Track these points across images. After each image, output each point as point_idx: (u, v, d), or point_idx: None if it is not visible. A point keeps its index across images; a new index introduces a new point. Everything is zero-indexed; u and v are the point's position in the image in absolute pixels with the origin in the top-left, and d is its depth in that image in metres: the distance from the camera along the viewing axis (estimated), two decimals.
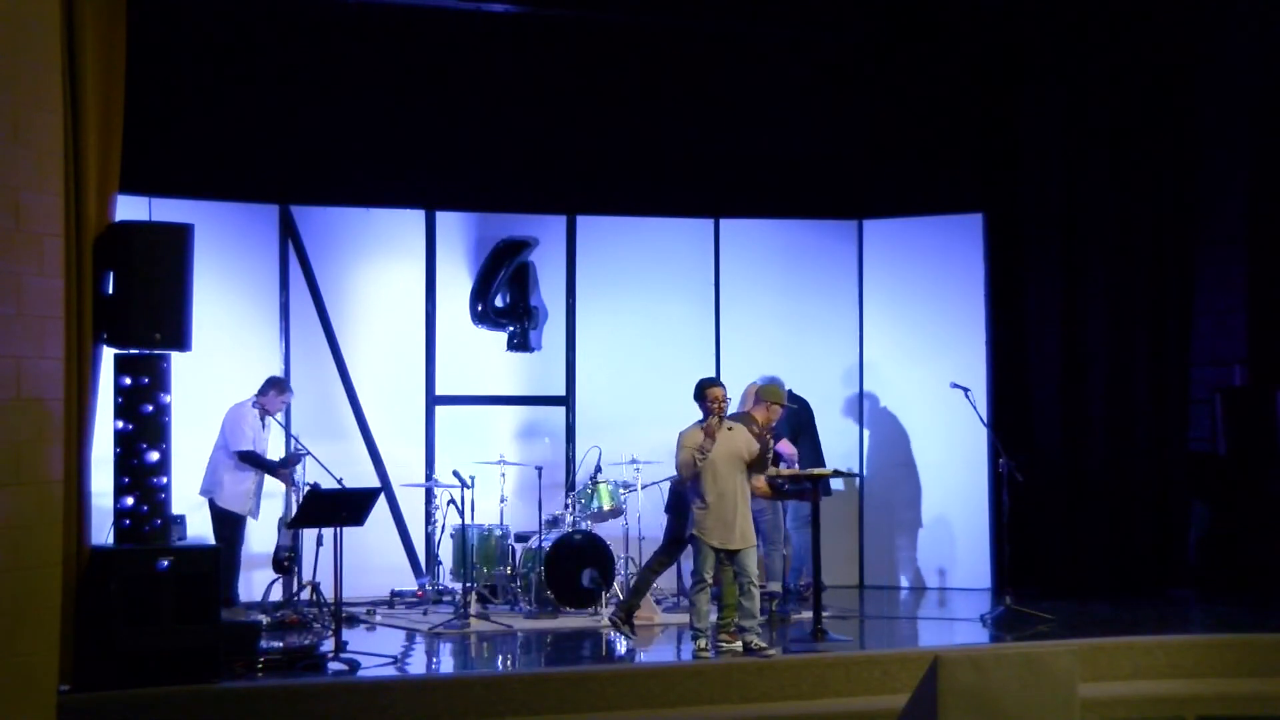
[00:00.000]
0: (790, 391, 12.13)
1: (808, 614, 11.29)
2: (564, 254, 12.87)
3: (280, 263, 12.15)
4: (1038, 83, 12.69)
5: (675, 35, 12.84)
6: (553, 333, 12.79)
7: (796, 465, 11.41)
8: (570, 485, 12.23)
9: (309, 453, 11.09)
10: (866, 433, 13.15)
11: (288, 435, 11.39)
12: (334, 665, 9.08)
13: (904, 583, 12.96)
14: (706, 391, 9.58)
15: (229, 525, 10.86)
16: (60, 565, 8.03)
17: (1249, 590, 11.64)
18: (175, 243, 8.85)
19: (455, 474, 11.20)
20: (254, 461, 10.93)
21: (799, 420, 11.92)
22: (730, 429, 9.63)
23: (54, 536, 7.95)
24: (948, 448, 12.74)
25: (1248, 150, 12.68)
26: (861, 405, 13.15)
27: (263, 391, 11.07)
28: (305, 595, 10.98)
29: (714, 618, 9.73)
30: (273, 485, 11.26)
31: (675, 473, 9.77)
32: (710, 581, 9.53)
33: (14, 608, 7.57)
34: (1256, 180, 12.63)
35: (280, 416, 11.36)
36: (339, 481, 10.85)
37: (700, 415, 9.60)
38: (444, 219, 12.62)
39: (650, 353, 12.92)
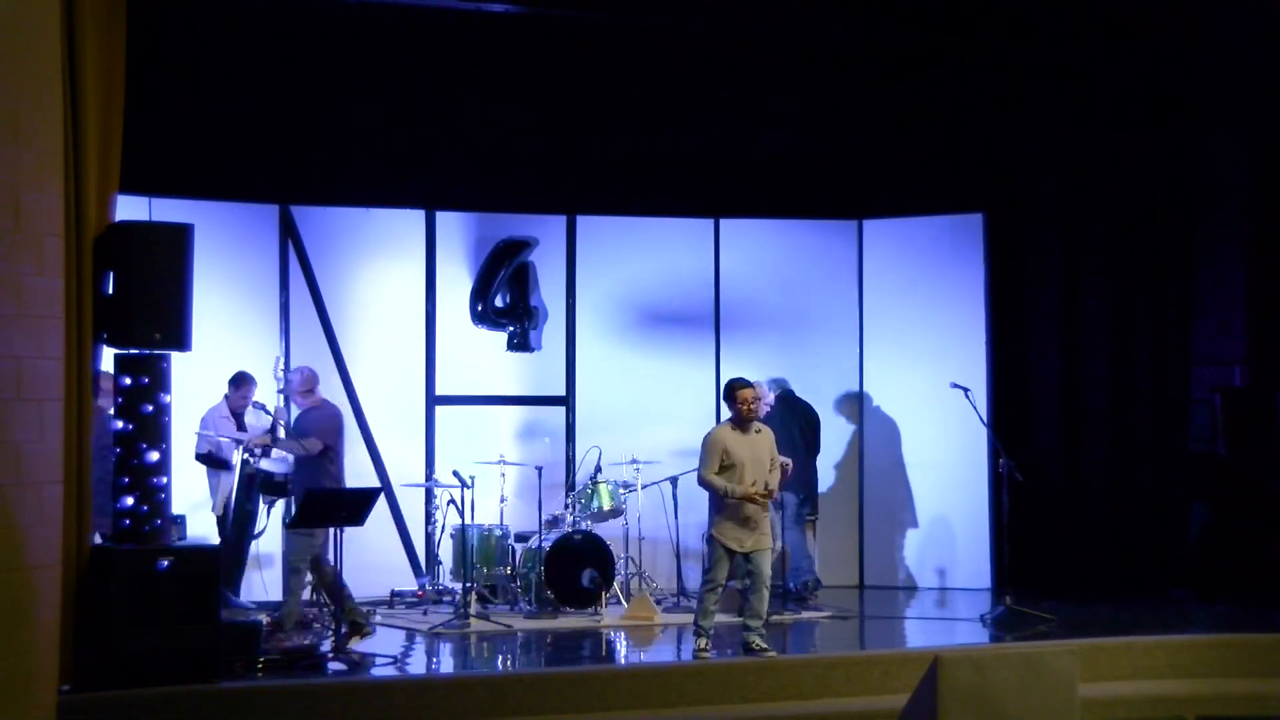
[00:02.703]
0: (790, 392, 12.16)
1: (808, 614, 11.35)
2: (564, 254, 12.87)
3: (280, 263, 12.15)
4: (1038, 83, 12.69)
5: (675, 35, 12.83)
6: (553, 333, 12.78)
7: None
8: (570, 485, 12.23)
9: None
10: (866, 432, 13.14)
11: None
12: (334, 665, 9.09)
13: (904, 583, 12.95)
14: (736, 393, 9.44)
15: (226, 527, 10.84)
16: (60, 565, 8.03)
17: (1249, 590, 11.64)
18: (175, 243, 8.85)
19: (455, 474, 11.20)
20: (210, 462, 10.87)
21: (787, 418, 11.93)
22: (759, 431, 9.56)
23: (54, 536, 7.95)
24: (947, 448, 12.74)
25: (1248, 150, 12.68)
26: (861, 405, 13.14)
27: (227, 394, 11.02)
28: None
29: (721, 617, 9.72)
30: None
31: (699, 472, 9.55)
32: (721, 584, 9.48)
33: (14, 608, 7.57)
34: (1256, 180, 12.64)
35: (274, 411, 11.26)
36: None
37: (730, 414, 9.53)
38: (444, 219, 12.62)
39: (650, 352, 12.92)
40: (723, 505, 9.38)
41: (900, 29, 12.85)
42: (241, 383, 11.01)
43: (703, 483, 9.48)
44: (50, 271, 7.97)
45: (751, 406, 9.46)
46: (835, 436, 12.73)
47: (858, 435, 13.15)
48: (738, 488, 9.27)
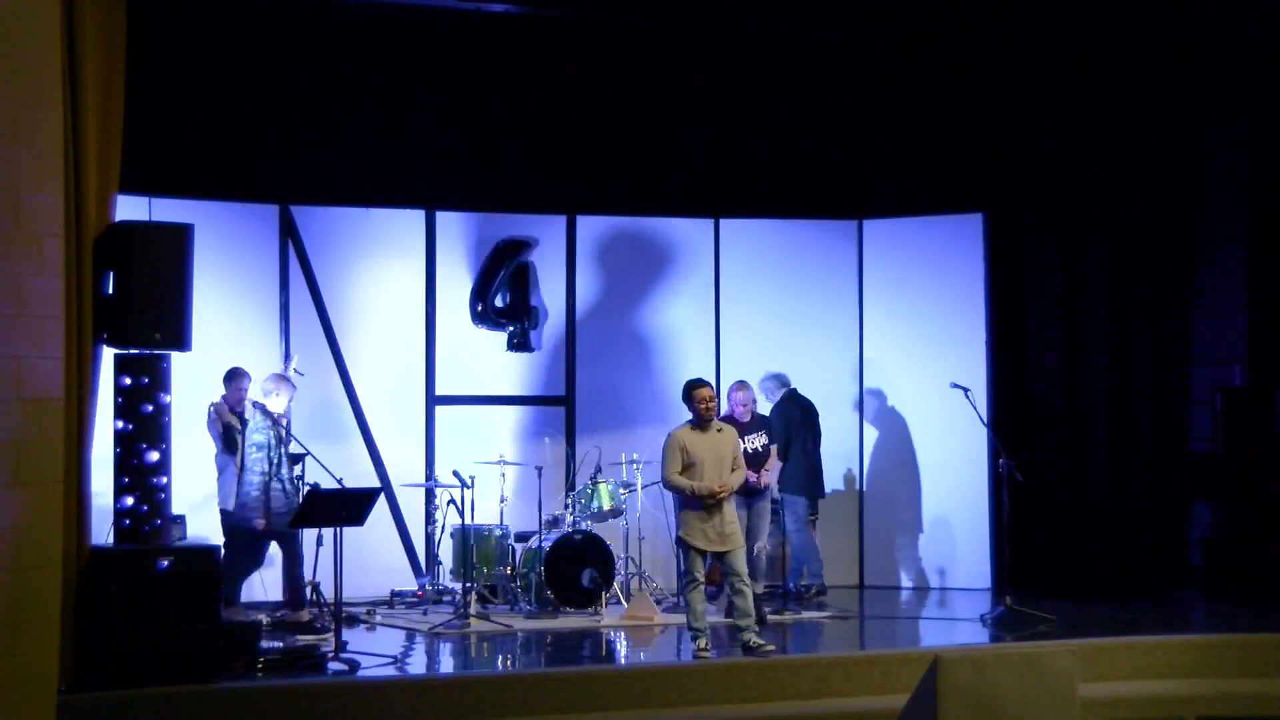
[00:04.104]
0: (794, 390, 12.15)
1: (808, 614, 11.35)
2: (564, 254, 12.87)
3: (280, 263, 12.15)
4: (1038, 83, 12.68)
5: (674, 35, 12.84)
6: (553, 333, 12.79)
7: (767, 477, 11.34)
8: (570, 485, 12.23)
9: (308, 452, 11.07)
10: (866, 432, 13.14)
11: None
12: (334, 665, 9.09)
13: (904, 583, 12.95)
14: (694, 393, 9.57)
15: (233, 533, 10.75)
16: (60, 565, 8.03)
17: (1250, 590, 11.64)
18: (175, 243, 8.86)
19: (455, 474, 11.20)
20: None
21: (800, 417, 11.93)
22: (720, 430, 9.62)
23: (54, 536, 7.95)
24: (948, 448, 12.74)
25: (1248, 149, 12.69)
26: (861, 405, 13.14)
27: (225, 392, 10.97)
28: (305, 595, 10.97)
29: (712, 618, 9.74)
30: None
31: (661, 475, 9.67)
32: (701, 580, 9.52)
33: (14, 608, 7.57)
34: (1256, 180, 12.64)
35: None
36: (339, 481, 10.84)
37: (690, 415, 9.58)
38: (444, 219, 12.62)
39: (650, 352, 12.92)
40: (688, 507, 9.46)
41: (900, 29, 12.85)
42: (235, 377, 10.96)
43: (667, 484, 9.61)
44: (50, 271, 7.96)
45: (710, 406, 9.55)
46: (835, 436, 12.72)
47: (858, 435, 13.14)
48: (701, 485, 9.33)
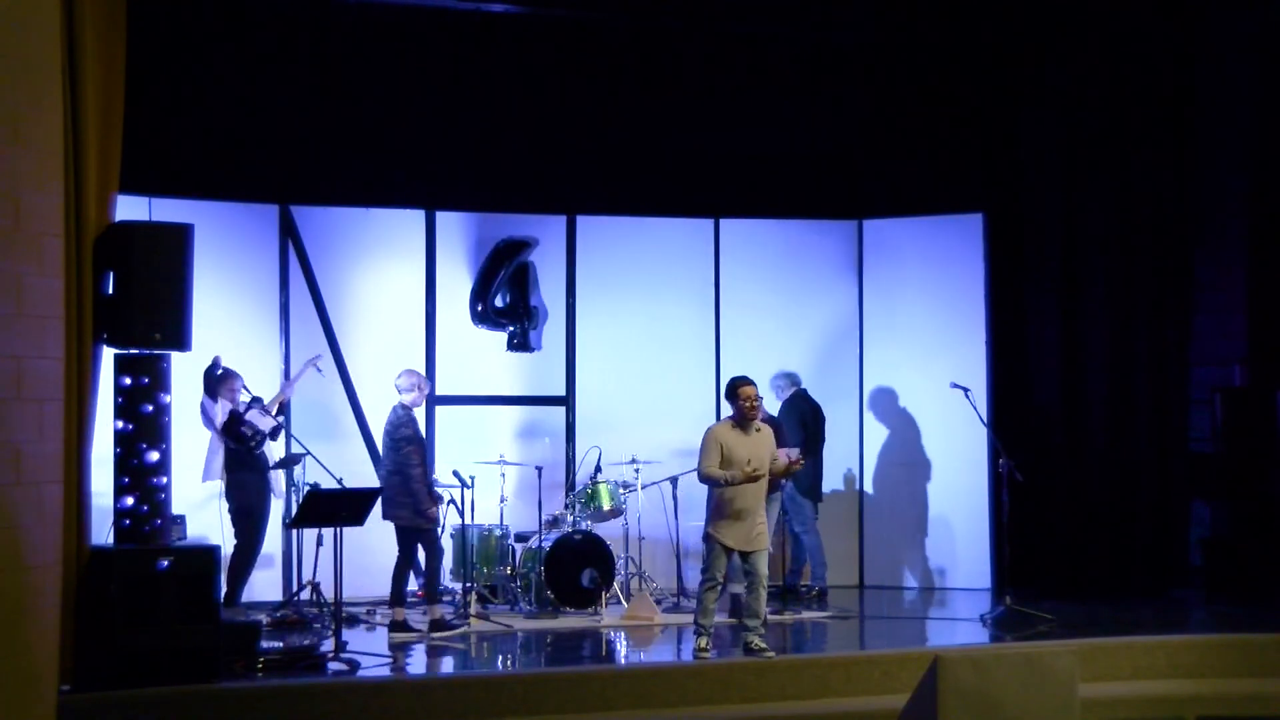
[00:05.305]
0: (804, 390, 12.15)
1: (808, 614, 11.36)
2: (564, 254, 12.87)
3: (280, 263, 12.15)
4: (1038, 83, 12.68)
5: (675, 35, 12.84)
6: (553, 333, 12.79)
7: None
8: (570, 485, 12.23)
9: (308, 452, 11.08)
10: (866, 432, 13.14)
11: (289, 437, 11.36)
12: (334, 665, 9.09)
13: (904, 583, 12.95)
14: (739, 390, 9.42)
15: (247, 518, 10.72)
16: (60, 565, 8.04)
17: (1250, 590, 11.64)
18: (175, 243, 8.86)
19: (455, 474, 11.20)
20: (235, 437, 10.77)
21: (802, 419, 11.94)
22: (759, 430, 9.54)
23: (54, 536, 7.95)
24: (948, 448, 12.75)
25: (1248, 151, 12.68)
26: (861, 405, 13.14)
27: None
28: (305, 595, 10.98)
29: (719, 618, 9.75)
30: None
31: (698, 470, 9.58)
32: (720, 581, 9.50)
33: (14, 608, 7.58)
34: (1256, 181, 12.64)
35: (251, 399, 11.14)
36: (339, 481, 10.85)
37: (731, 412, 9.51)
38: (444, 219, 12.62)
39: (650, 353, 12.92)
40: (719, 504, 9.39)
41: (900, 29, 12.85)
42: (226, 378, 10.96)
43: (703, 478, 9.47)
44: (50, 271, 7.97)
45: (754, 405, 9.43)
46: (835, 436, 12.73)
47: (858, 435, 13.14)
48: (736, 473, 9.24)
